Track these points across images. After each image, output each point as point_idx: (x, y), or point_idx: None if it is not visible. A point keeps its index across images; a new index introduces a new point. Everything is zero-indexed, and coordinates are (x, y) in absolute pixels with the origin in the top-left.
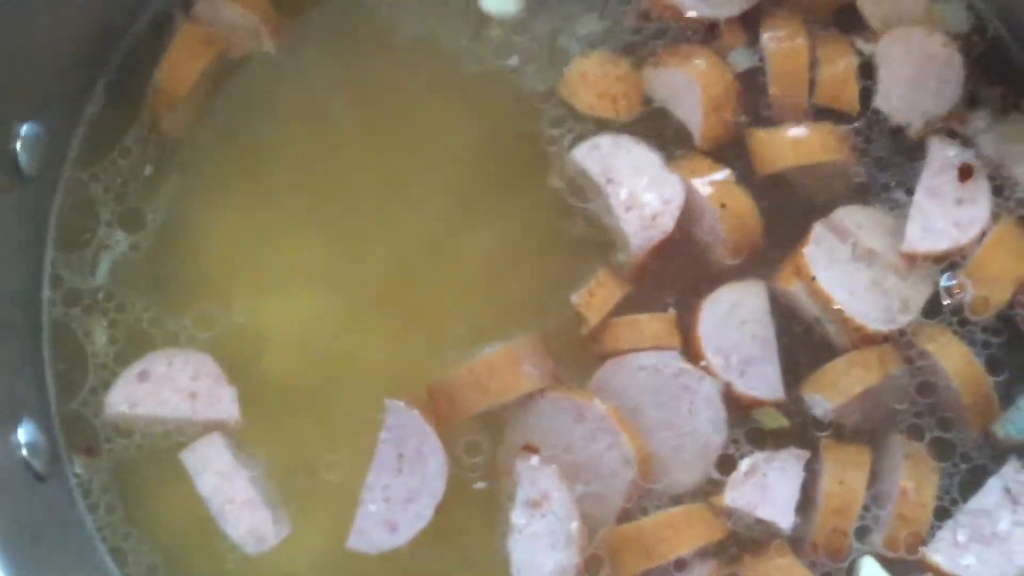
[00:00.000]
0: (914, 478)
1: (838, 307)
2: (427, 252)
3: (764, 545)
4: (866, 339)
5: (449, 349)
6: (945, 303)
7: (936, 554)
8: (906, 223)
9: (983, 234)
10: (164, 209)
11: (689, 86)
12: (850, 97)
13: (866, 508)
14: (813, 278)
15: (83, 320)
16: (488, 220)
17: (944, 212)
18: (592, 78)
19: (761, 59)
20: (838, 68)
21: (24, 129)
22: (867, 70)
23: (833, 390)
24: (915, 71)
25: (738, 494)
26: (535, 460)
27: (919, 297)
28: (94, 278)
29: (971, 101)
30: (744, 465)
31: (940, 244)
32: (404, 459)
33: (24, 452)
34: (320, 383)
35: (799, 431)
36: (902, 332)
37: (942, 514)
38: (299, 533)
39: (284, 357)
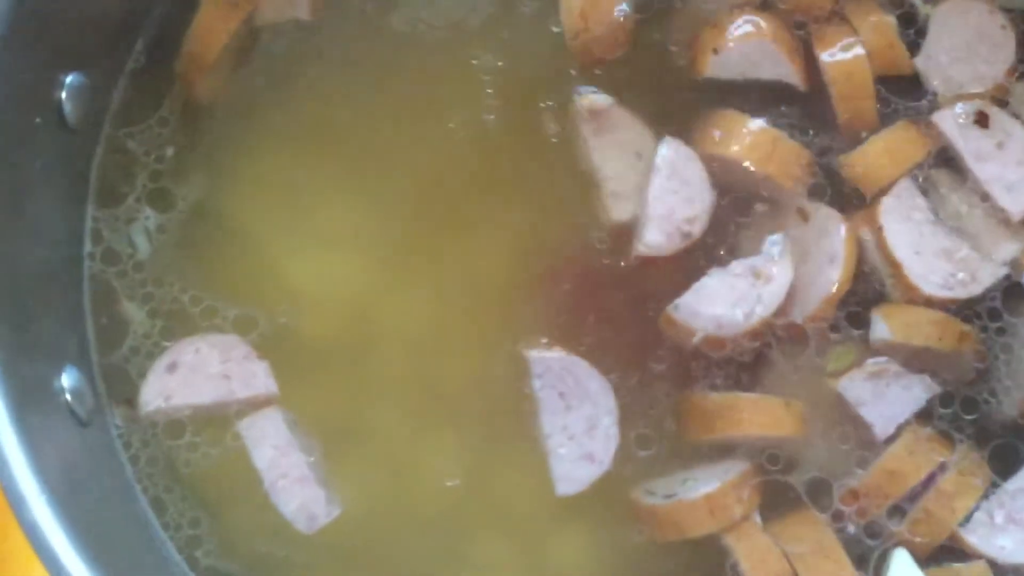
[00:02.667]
0: (956, 483)
1: (898, 261)
2: (462, 211)
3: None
4: (919, 302)
5: (487, 305)
6: None
7: (971, 534)
8: (993, 200)
9: None
10: (197, 176)
11: (762, 45)
12: (902, 59)
13: None
14: (880, 227)
15: (119, 281)
16: (523, 174)
17: (1004, 163)
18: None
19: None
20: (885, 36)
21: (70, 79)
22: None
23: (901, 328)
24: (964, 44)
25: (853, 385)
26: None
27: (990, 274)
28: (130, 236)
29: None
30: (871, 364)
31: None
32: (566, 395)
33: (68, 397)
34: (360, 346)
35: None
36: (971, 309)
37: None
38: (349, 506)
39: (322, 324)
